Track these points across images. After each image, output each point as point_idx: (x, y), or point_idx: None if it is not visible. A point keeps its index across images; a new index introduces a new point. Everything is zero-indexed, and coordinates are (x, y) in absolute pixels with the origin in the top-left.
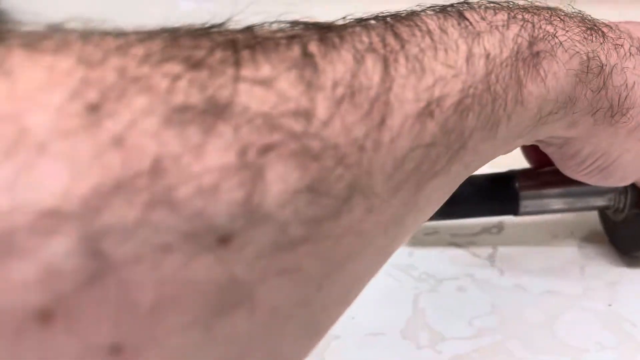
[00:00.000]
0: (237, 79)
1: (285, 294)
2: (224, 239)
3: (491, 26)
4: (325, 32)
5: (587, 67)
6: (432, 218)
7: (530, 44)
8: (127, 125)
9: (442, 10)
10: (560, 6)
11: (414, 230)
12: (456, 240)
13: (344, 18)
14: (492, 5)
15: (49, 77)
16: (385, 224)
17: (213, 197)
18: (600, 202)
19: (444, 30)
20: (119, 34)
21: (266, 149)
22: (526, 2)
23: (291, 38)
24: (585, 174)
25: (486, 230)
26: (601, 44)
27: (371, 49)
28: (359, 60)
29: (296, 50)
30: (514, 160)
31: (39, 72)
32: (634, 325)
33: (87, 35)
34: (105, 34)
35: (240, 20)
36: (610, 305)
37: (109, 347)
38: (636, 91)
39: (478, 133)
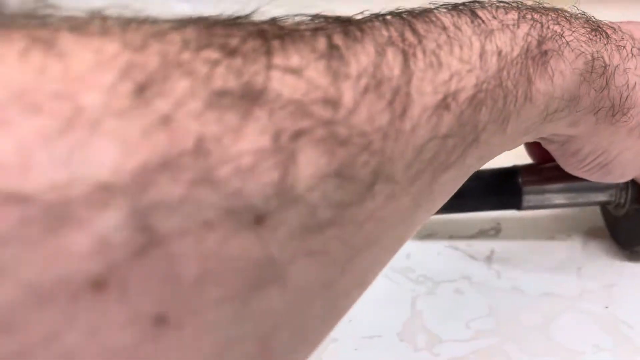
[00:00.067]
0: (269, 67)
1: (313, 275)
2: (259, 219)
3: (502, 25)
4: (347, 25)
5: (592, 67)
6: (436, 212)
7: (539, 43)
8: (173, 106)
9: (455, 8)
10: (565, 7)
11: (425, 220)
12: (453, 243)
13: (361, 13)
14: (502, 4)
15: (98, 59)
16: (403, 212)
17: (250, 178)
18: (602, 197)
19: (458, 27)
20: (154, 21)
21: (297, 134)
22: (534, 3)
23: (315, 30)
24: (586, 171)
25: (483, 232)
26: (605, 44)
27: (391, 42)
28: (380, 52)
29: (322, 42)
30: (517, 158)
31: (88, 54)
32: (630, 327)
33: (126, 22)
34: (141, 20)
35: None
36: (607, 307)
37: (155, 317)
38: (637, 91)
39: (490, 127)
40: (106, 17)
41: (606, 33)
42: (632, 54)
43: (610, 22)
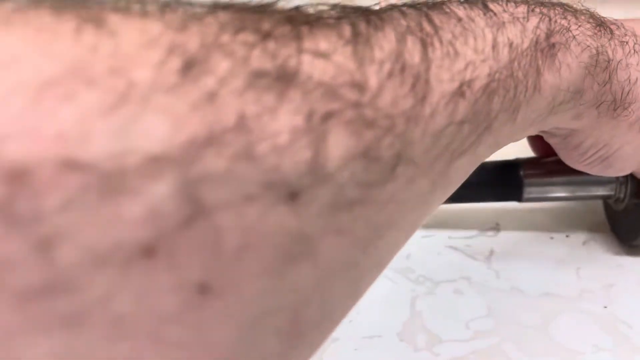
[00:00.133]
0: (300, 50)
1: (340, 253)
2: (293, 195)
3: (513, 17)
4: (368, 14)
5: (596, 61)
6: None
7: (548, 36)
8: (218, 83)
9: (467, 0)
10: (570, 3)
11: (439, 205)
12: (453, 243)
13: (378, 4)
14: None
15: (145, 38)
16: (421, 195)
17: (286, 155)
18: (602, 191)
19: (471, 19)
20: (188, 6)
21: (328, 116)
22: None
23: (339, 19)
24: (587, 164)
25: (482, 233)
26: (609, 40)
27: (410, 31)
28: (400, 40)
29: (347, 29)
30: (520, 152)
31: (135, 33)
32: (629, 327)
33: (163, 5)
34: (175, 5)
35: None
36: (606, 307)
37: (198, 285)
38: (638, 87)
39: (501, 116)
40: (144, 0)
41: (610, 29)
42: (635, 50)
43: (613, 19)
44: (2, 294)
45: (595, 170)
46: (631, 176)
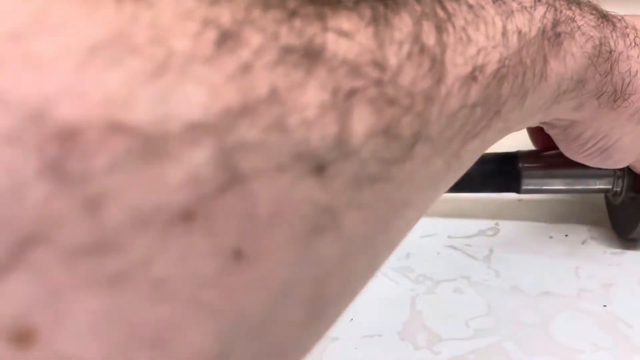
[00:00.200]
0: (325, 29)
1: (361, 229)
2: (320, 168)
3: (521, 6)
4: None
5: (599, 51)
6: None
7: (554, 25)
8: (252, 56)
9: None
10: None
11: (446, 189)
12: (452, 243)
13: None
14: None
15: (180, 10)
16: (435, 175)
17: (314, 129)
18: (599, 184)
19: (482, 7)
20: None
21: (352, 93)
22: None
23: (357, 2)
24: (586, 156)
25: (482, 232)
26: (611, 31)
27: (425, 16)
28: (417, 24)
29: (367, 11)
30: (520, 147)
31: (171, 5)
32: (629, 326)
33: None
34: None
35: None
36: (605, 306)
37: (234, 251)
38: (638, 79)
39: (510, 101)
40: None
41: (612, 21)
42: (635, 43)
43: (614, 13)
44: (53, 250)
45: (594, 162)
46: (628, 170)
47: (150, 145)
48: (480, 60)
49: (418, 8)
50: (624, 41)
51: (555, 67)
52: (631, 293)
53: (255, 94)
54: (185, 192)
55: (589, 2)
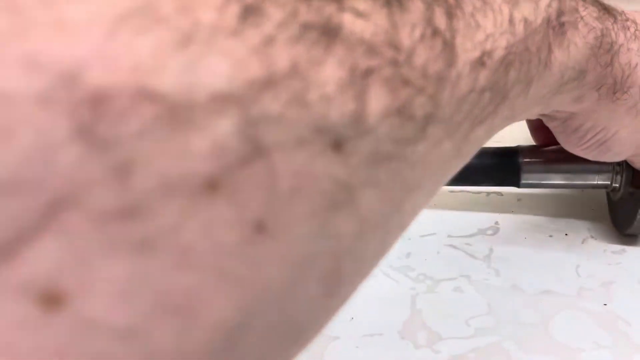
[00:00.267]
0: (342, 9)
1: (376, 207)
2: (339, 144)
3: None
4: None
5: (600, 42)
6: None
7: (558, 15)
8: (274, 30)
9: None
10: None
11: (450, 176)
12: (452, 242)
13: None
14: None
15: None
16: (445, 158)
17: (333, 104)
18: (598, 180)
19: None
20: None
21: (368, 72)
22: None
23: None
24: (585, 148)
25: (482, 231)
26: (612, 23)
27: (435, 1)
28: (428, 8)
29: None
30: (520, 143)
31: None
32: (629, 324)
33: None
34: None
35: None
36: (605, 304)
37: (256, 222)
38: (637, 71)
39: (516, 88)
40: None
41: (613, 14)
42: (635, 36)
43: (615, 7)
44: (83, 214)
45: (592, 155)
46: (627, 165)
47: (178, 114)
48: (488, 46)
49: None
50: (625, 34)
51: (559, 56)
52: (631, 292)
53: (277, 67)
54: (210, 162)
55: None
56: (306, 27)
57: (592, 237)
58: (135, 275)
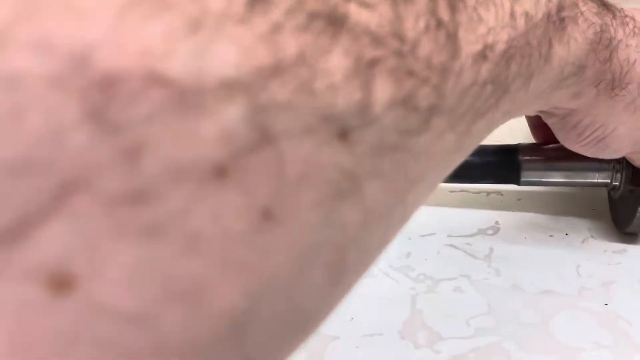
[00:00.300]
0: (347, 0)
1: (381, 197)
2: (345, 133)
3: None
4: None
5: (600, 38)
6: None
7: (559, 10)
8: (282, 18)
9: None
10: None
11: (451, 170)
12: (452, 242)
13: None
14: None
15: None
16: (447, 151)
17: (339, 93)
18: (598, 178)
19: None
20: None
21: (374, 62)
22: None
23: None
24: (583, 145)
25: (482, 231)
26: (611, 19)
27: None
28: (432, 0)
29: None
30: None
31: None
32: (629, 323)
33: None
34: None
35: None
36: (606, 304)
37: (263, 210)
38: (636, 68)
39: (517, 81)
40: None
41: (612, 10)
42: (634, 32)
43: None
44: (93, 197)
45: (591, 152)
46: (627, 163)
47: (187, 99)
48: (490, 39)
49: None
50: (624, 30)
51: (559, 50)
52: (632, 291)
53: (285, 55)
54: (219, 148)
55: None
56: (313, 16)
57: (592, 236)
58: (144, 260)
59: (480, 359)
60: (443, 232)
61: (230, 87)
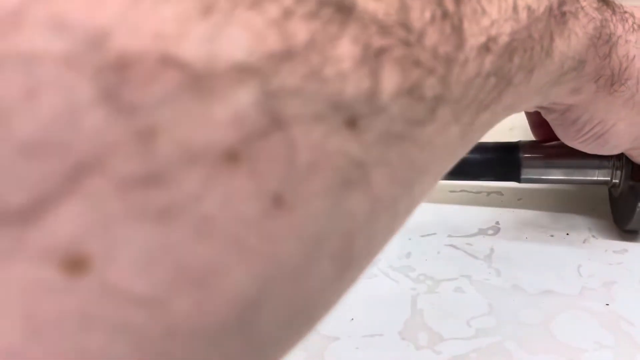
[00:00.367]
0: None
1: (388, 187)
2: (353, 121)
3: None
4: None
5: (600, 33)
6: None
7: (560, 4)
8: (293, 4)
9: None
10: None
11: (454, 163)
12: (453, 242)
13: None
14: None
15: None
16: (452, 143)
17: (348, 81)
18: (598, 175)
19: None
20: None
21: (381, 50)
22: None
23: None
24: (583, 141)
25: (483, 231)
26: (611, 15)
27: None
28: None
29: None
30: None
31: None
32: (631, 324)
33: None
34: None
35: None
36: (607, 304)
37: (274, 196)
38: (635, 63)
39: (519, 74)
40: None
41: (612, 6)
42: (633, 29)
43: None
44: (107, 178)
45: (590, 148)
46: (626, 160)
47: (200, 82)
48: (493, 31)
49: None
50: (623, 26)
51: (559, 44)
52: (633, 291)
53: (295, 41)
54: (231, 132)
55: None
56: (322, 3)
57: (593, 236)
58: (157, 243)
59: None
60: (443, 232)
61: (241, 72)
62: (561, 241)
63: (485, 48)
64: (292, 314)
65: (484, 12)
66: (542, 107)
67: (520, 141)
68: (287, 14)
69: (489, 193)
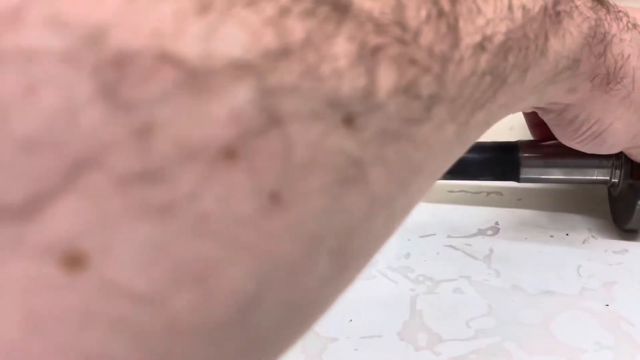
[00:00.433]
0: None
1: (385, 185)
2: (350, 118)
3: None
4: None
5: (594, 32)
6: (441, 177)
7: (555, 4)
8: (289, 2)
9: None
10: None
11: (450, 164)
12: (452, 242)
13: None
14: None
15: None
16: (447, 142)
17: (345, 79)
18: (597, 175)
19: None
20: None
21: (377, 49)
22: None
23: None
24: (580, 141)
25: (482, 232)
26: (605, 14)
27: None
28: None
29: None
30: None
31: None
32: (631, 324)
33: None
34: None
35: None
36: (607, 305)
37: (271, 193)
38: (630, 62)
39: (514, 73)
40: None
41: (606, 5)
42: (628, 27)
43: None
44: (105, 175)
45: (588, 148)
46: (625, 159)
47: (197, 79)
48: (488, 31)
49: None
50: (618, 24)
51: (554, 44)
52: (633, 292)
53: (292, 39)
54: (228, 129)
55: None
56: (318, 2)
57: (593, 237)
58: (156, 241)
59: None
60: (442, 233)
61: (238, 69)
62: (561, 241)
63: (481, 47)
64: (290, 311)
65: (479, 11)
66: (539, 108)
67: (519, 141)
68: (284, 12)
69: (488, 193)
